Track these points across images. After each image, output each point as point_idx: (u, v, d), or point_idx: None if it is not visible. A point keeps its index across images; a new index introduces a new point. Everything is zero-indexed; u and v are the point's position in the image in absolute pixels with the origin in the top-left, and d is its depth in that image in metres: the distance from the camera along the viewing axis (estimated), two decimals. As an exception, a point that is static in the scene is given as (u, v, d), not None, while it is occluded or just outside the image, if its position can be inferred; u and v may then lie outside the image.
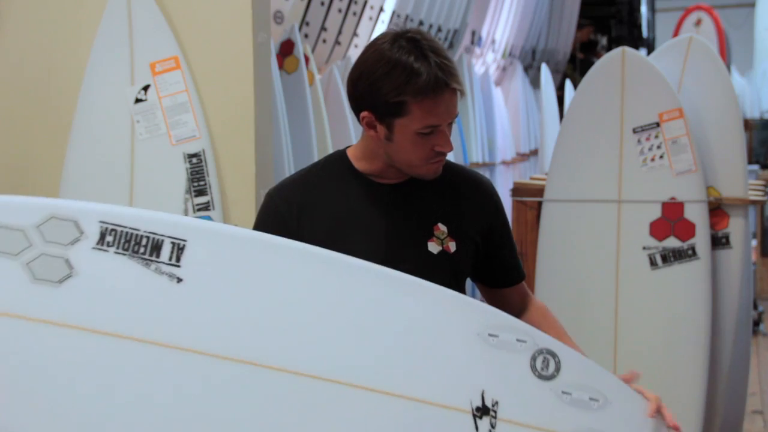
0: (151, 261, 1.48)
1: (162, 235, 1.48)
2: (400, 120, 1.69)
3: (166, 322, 1.48)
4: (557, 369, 1.60)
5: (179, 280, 1.48)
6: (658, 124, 3.13)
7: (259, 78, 2.72)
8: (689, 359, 3.10)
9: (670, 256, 3.12)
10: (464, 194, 1.82)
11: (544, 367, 1.59)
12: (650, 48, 12.73)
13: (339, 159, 1.83)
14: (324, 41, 4.64)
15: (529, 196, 3.39)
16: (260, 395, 1.50)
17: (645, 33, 13.30)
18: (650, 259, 3.14)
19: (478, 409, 1.55)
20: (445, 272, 1.75)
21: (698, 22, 10.20)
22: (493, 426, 1.55)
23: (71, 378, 1.46)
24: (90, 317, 1.46)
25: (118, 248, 1.47)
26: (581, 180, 3.21)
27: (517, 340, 1.58)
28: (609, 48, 10.97)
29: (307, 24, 4.51)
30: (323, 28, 4.59)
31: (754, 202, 3.29)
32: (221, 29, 2.69)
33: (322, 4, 4.55)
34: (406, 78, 1.66)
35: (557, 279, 3.21)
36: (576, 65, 10.21)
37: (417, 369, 1.55)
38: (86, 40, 2.70)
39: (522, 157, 7.68)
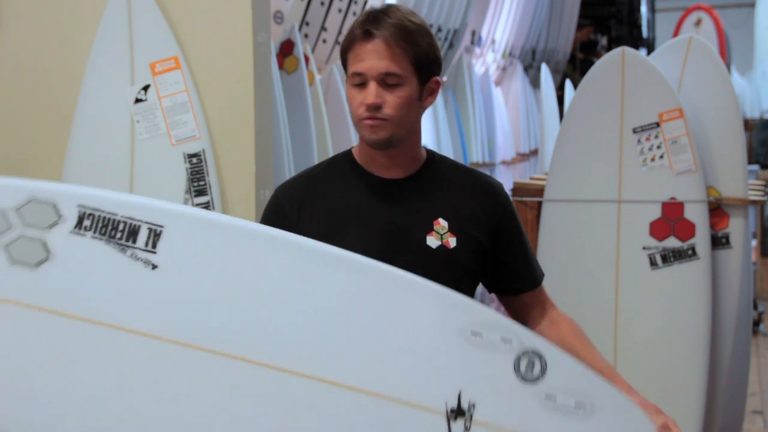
0: (128, 247, 1.48)
1: (139, 221, 1.48)
2: (347, 75, 1.77)
3: (139, 309, 1.49)
4: (542, 372, 1.54)
5: (154, 266, 1.49)
6: (658, 124, 3.13)
7: (259, 78, 2.72)
8: (689, 359, 3.10)
9: (670, 256, 3.12)
10: (470, 193, 1.82)
11: (529, 369, 1.54)
12: (650, 48, 12.74)
13: (344, 156, 1.86)
14: (324, 41, 4.64)
15: (529, 196, 3.39)
16: (228, 385, 1.50)
17: (645, 33, 13.30)
18: (650, 259, 3.14)
19: (452, 410, 1.51)
20: (442, 267, 1.76)
21: (698, 22, 10.21)
22: (467, 428, 1.51)
23: (40, 359, 1.47)
24: (64, 301, 1.47)
25: (95, 233, 1.47)
26: (581, 180, 3.21)
27: (502, 339, 1.53)
28: (609, 48, 10.98)
29: (307, 24, 4.52)
30: (323, 28, 4.59)
31: (754, 202, 3.29)
32: (221, 29, 2.69)
33: (322, 4, 4.55)
34: (347, 34, 1.77)
35: (557, 279, 3.21)
36: (576, 65, 10.21)
37: (392, 365, 1.52)
38: (86, 40, 2.70)
39: (522, 157, 7.68)
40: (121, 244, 1.48)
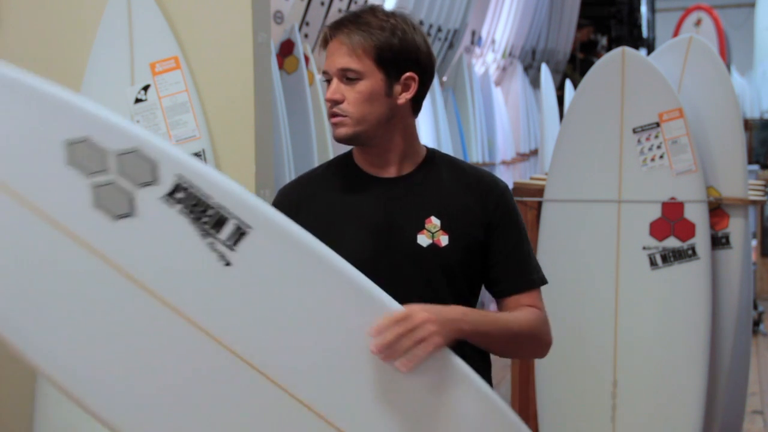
0: (210, 235, 1.44)
1: (230, 213, 1.44)
2: None
3: (197, 297, 1.45)
4: None
5: (228, 263, 1.45)
6: (658, 124, 3.13)
7: (259, 78, 2.72)
8: (689, 359, 3.10)
9: (670, 256, 3.12)
10: (466, 190, 1.81)
11: None
12: (650, 48, 12.74)
13: (344, 157, 1.88)
14: (324, 41, 4.63)
15: (529, 196, 3.39)
16: (248, 396, 1.49)
17: (645, 33, 13.31)
18: (650, 259, 3.14)
19: None
20: (433, 266, 1.75)
21: (698, 22, 10.21)
22: None
23: (84, 306, 1.44)
24: (128, 261, 1.44)
25: (184, 207, 1.43)
26: (581, 180, 3.21)
27: None
28: (609, 48, 10.98)
29: (307, 24, 4.52)
30: (323, 28, 4.59)
31: (754, 202, 3.29)
32: (221, 29, 2.68)
33: (322, 4, 4.56)
34: None
35: (557, 279, 3.21)
36: (576, 65, 10.21)
37: None
38: (86, 40, 2.70)
39: (522, 157, 7.69)
40: (205, 231, 1.43)
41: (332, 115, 1.76)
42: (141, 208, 1.42)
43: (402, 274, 1.73)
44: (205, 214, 1.43)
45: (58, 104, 1.41)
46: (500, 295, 1.85)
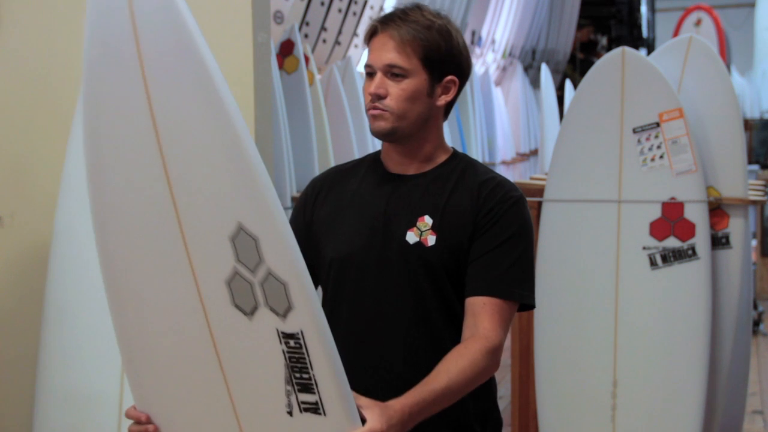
0: (292, 386, 1.48)
1: (319, 392, 1.47)
2: None
3: (251, 406, 1.52)
4: None
5: (290, 413, 1.49)
6: (658, 124, 3.13)
7: (259, 78, 2.72)
8: (689, 359, 3.10)
9: (670, 256, 3.12)
10: (469, 193, 1.80)
11: None
12: (650, 48, 12.75)
13: (374, 153, 1.91)
14: (324, 41, 4.65)
15: (529, 196, 3.39)
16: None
17: (645, 33, 13.32)
18: (650, 259, 3.14)
19: None
20: (416, 263, 1.76)
21: (698, 22, 10.21)
22: None
23: (166, 333, 1.54)
24: (221, 337, 1.50)
25: (288, 352, 1.46)
26: (581, 180, 3.21)
27: None
28: (609, 48, 10.99)
29: (307, 24, 4.53)
30: (323, 28, 4.60)
31: (754, 202, 3.29)
32: (221, 29, 2.69)
33: (322, 4, 4.56)
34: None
35: (557, 279, 3.21)
36: (576, 65, 10.22)
37: None
38: (86, 40, 2.70)
39: (522, 157, 7.69)
40: (291, 380, 1.48)
41: (374, 108, 1.77)
42: (257, 319, 1.47)
43: (388, 267, 1.76)
44: (300, 373, 1.47)
45: (257, 188, 1.43)
46: (466, 296, 1.77)
